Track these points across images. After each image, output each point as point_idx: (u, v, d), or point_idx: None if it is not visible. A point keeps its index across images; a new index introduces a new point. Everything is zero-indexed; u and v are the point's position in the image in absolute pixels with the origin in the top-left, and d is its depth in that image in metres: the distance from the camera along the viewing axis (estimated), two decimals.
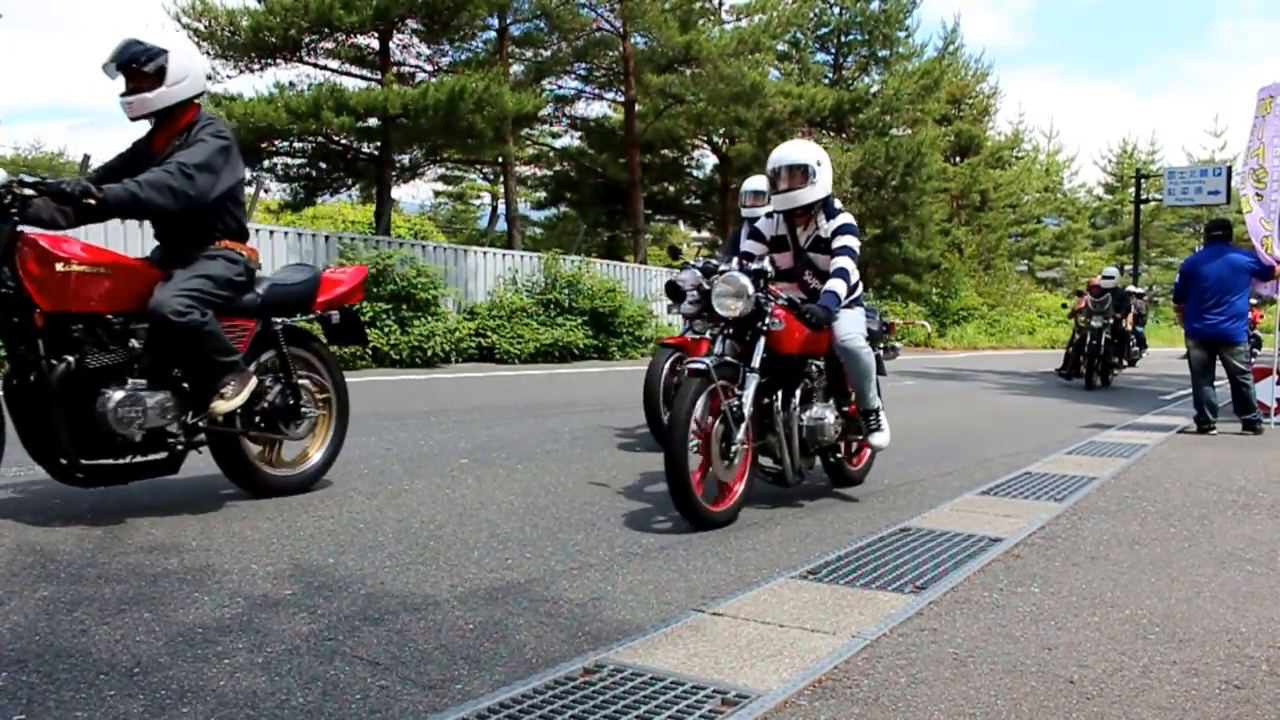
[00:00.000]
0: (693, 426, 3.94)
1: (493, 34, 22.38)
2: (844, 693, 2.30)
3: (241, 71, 19.37)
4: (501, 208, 30.59)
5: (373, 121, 18.50)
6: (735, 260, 4.64)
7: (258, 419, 4.20)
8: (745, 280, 4.17)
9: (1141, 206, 39.36)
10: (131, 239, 10.66)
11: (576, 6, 22.64)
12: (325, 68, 19.95)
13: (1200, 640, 2.75)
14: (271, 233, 13.86)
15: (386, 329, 13.36)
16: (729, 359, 4.17)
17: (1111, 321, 13.42)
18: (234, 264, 4.04)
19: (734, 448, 4.05)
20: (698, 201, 32.26)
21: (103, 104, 76.72)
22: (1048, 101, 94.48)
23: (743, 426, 4.06)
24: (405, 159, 21.15)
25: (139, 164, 3.95)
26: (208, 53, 18.95)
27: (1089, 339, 13.24)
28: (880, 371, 5.01)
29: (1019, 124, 52.50)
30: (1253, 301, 10.63)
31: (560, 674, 2.35)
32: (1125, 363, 17.54)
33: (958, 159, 35.60)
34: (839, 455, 4.97)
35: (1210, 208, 33.11)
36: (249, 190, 21.40)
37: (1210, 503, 4.86)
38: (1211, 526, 4.29)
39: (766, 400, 4.32)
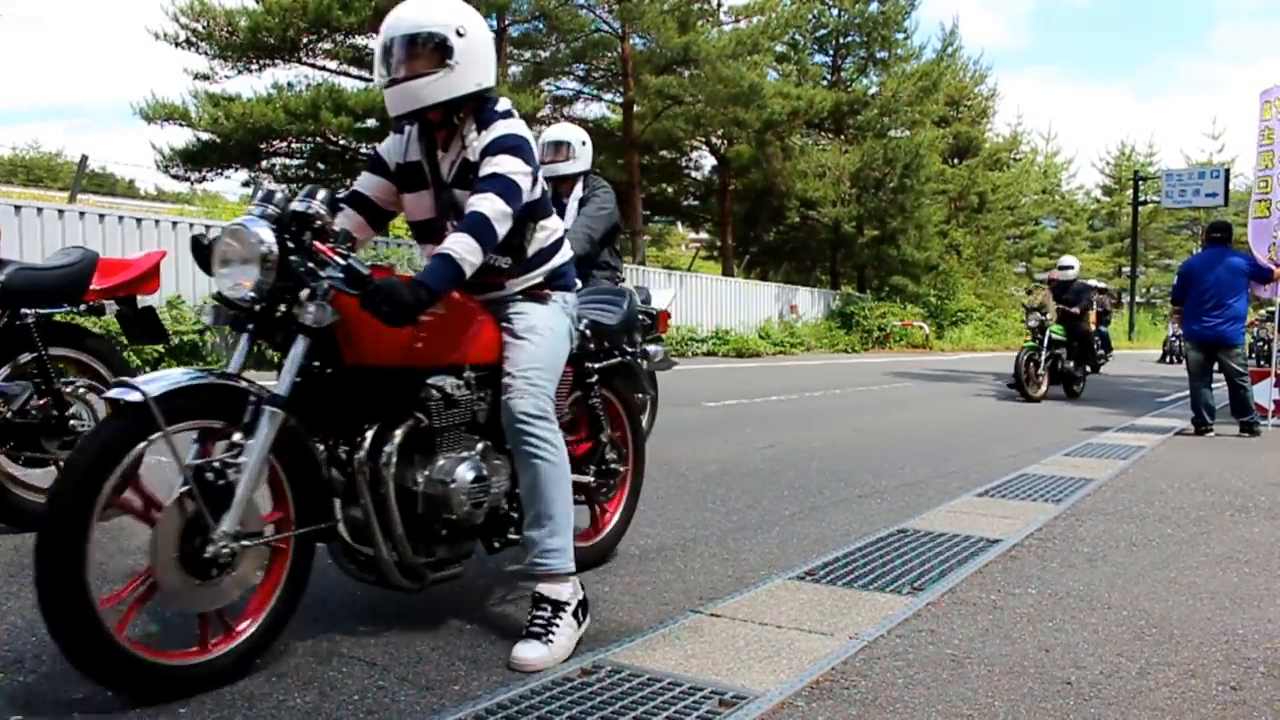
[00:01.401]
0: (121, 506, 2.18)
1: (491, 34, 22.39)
2: (841, 694, 2.30)
3: (240, 72, 19.40)
4: None
5: (371, 122, 18.51)
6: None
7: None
8: (261, 231, 2.30)
9: (1139, 209, 39.48)
10: None
11: (575, 7, 22.64)
12: (324, 68, 19.99)
13: (1197, 642, 2.75)
14: None
15: None
16: (220, 380, 2.30)
17: (1051, 318, 11.47)
18: None
19: (216, 549, 2.17)
20: (696, 203, 32.27)
21: (103, 104, 76.70)
22: (1046, 103, 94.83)
23: (233, 508, 2.20)
24: None
25: None
26: (205, 53, 18.96)
27: (1032, 341, 11.52)
28: (645, 390, 4.13)
29: (1017, 126, 52.71)
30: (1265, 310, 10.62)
31: (558, 675, 2.35)
32: (1088, 368, 16.92)
33: (956, 161, 35.61)
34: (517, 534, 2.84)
35: (1208, 210, 33.17)
36: (245, 190, 21.38)
37: (1207, 505, 4.86)
38: (1209, 528, 4.30)
39: (344, 449, 2.52)
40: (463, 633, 2.70)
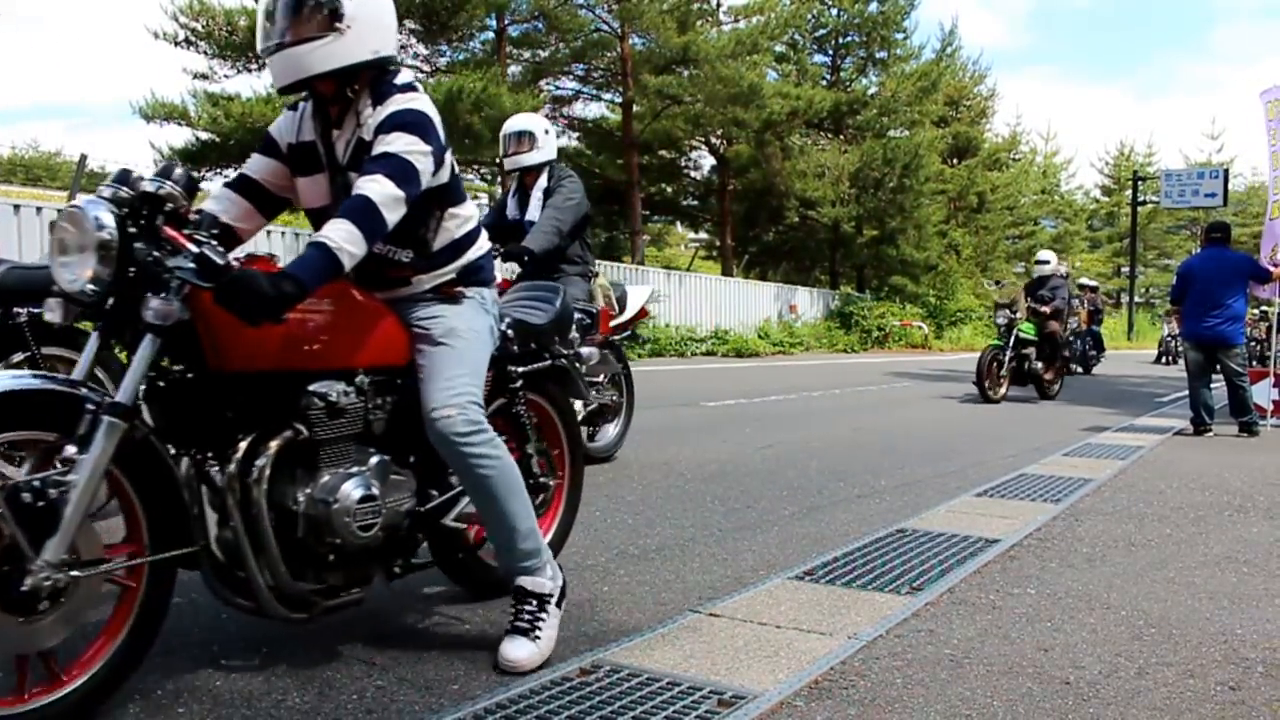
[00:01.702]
0: None
1: (491, 34, 22.39)
2: (840, 694, 2.30)
3: (239, 71, 19.38)
4: None
5: None
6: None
7: None
8: (100, 215, 2.00)
9: (1138, 209, 39.47)
10: None
11: (575, 7, 22.64)
12: None
13: (1196, 642, 2.75)
14: (269, 232, 13.83)
15: None
16: (52, 385, 2.03)
17: (1021, 316, 10.96)
18: None
19: (36, 580, 1.87)
20: (695, 202, 32.26)
21: (103, 103, 76.72)
22: (1045, 103, 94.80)
23: (59, 533, 1.89)
24: None
25: None
26: (205, 53, 18.96)
27: (998, 339, 11.01)
28: (584, 396, 3.88)
29: (1017, 126, 52.71)
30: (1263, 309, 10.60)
31: (557, 674, 2.35)
32: (1074, 368, 15.98)
33: (955, 161, 35.60)
34: (470, 548, 2.79)
35: (1207, 210, 33.18)
36: None
37: (1206, 505, 4.86)
38: (1208, 528, 4.30)
39: (215, 463, 2.20)
40: (461, 632, 2.70)
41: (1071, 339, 16.22)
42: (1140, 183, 39.66)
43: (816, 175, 27.41)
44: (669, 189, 31.49)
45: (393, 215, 2.25)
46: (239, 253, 2.27)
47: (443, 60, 22.03)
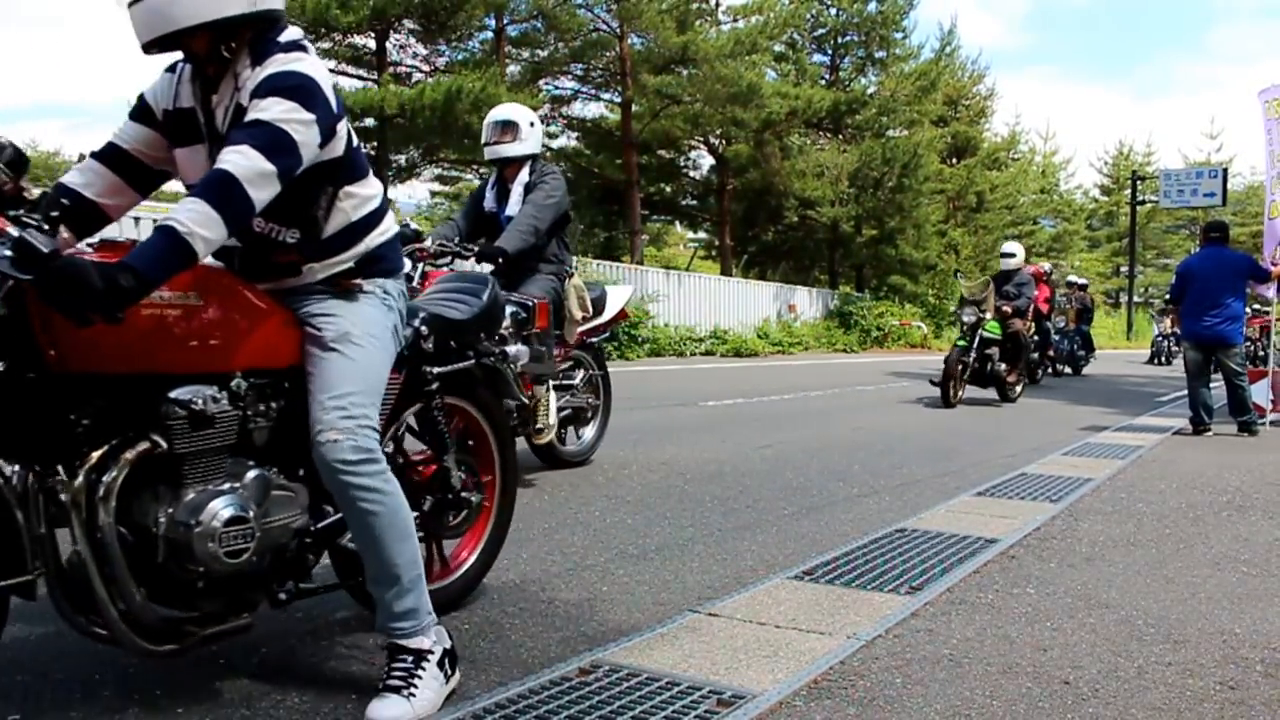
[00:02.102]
0: None
1: (489, 34, 22.41)
2: (840, 693, 2.30)
3: None
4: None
5: (369, 121, 18.53)
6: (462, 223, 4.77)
7: None
8: None
9: (1137, 208, 39.47)
10: None
11: (573, 7, 22.64)
12: None
13: (1195, 641, 2.75)
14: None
15: None
16: None
17: (988, 315, 10.30)
18: None
19: None
20: (694, 202, 32.24)
21: (102, 103, 76.70)
22: (1044, 103, 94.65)
23: None
24: (402, 159, 21.19)
25: None
26: None
27: (962, 339, 10.29)
28: (516, 398, 3.68)
29: (1016, 126, 52.69)
30: (1258, 308, 10.57)
31: (556, 674, 2.35)
32: (1061, 369, 15.79)
33: (954, 160, 35.58)
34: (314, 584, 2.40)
35: (1206, 210, 33.18)
36: None
37: (1205, 504, 4.87)
38: (1207, 528, 4.30)
39: (61, 479, 1.90)
40: (460, 632, 2.70)
41: (1058, 338, 16.02)
42: (1139, 182, 39.66)
43: (815, 175, 27.41)
44: (668, 189, 31.48)
45: (261, 193, 1.94)
46: (113, 232, 2.08)
47: (441, 60, 22.06)
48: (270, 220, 2.12)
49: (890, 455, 6.43)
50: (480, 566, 2.94)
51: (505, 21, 22.15)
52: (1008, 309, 10.69)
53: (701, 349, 20.21)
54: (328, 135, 2.09)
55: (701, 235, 37.61)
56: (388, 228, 2.35)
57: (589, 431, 5.61)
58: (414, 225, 5.04)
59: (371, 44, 19.65)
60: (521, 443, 5.10)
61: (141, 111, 2.21)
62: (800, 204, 27.75)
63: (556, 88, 25.93)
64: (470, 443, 2.90)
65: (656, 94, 23.58)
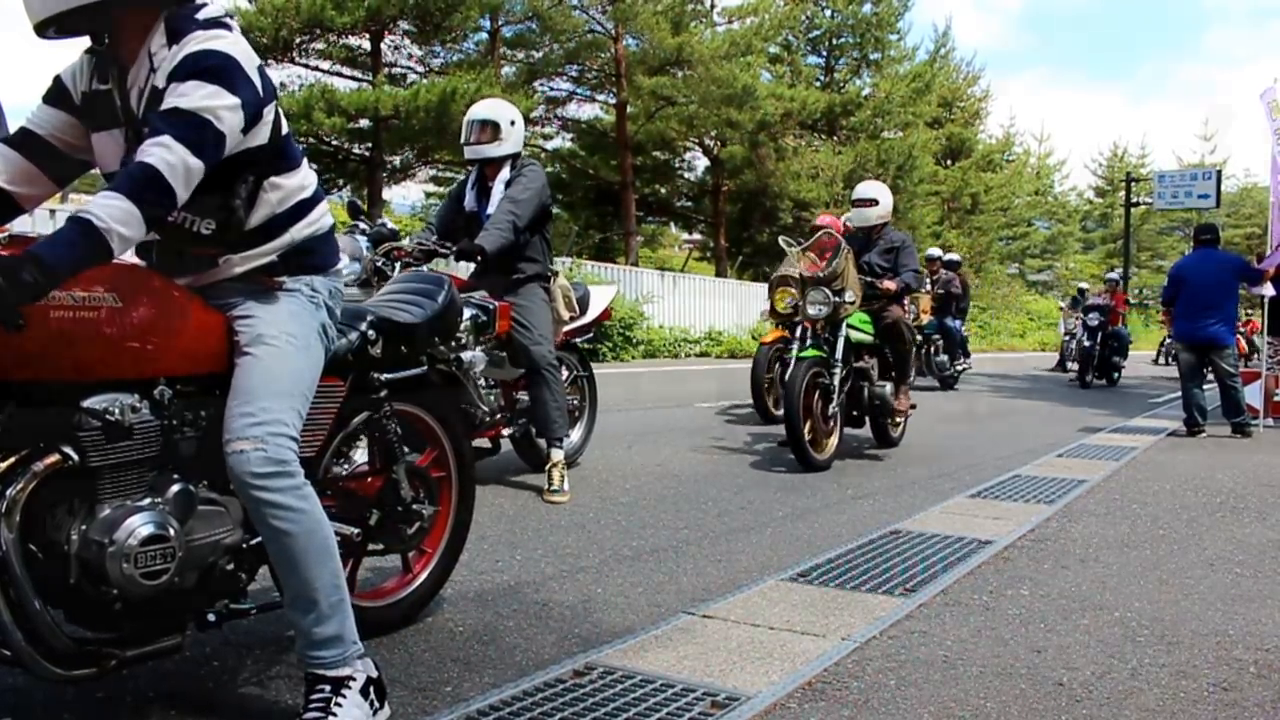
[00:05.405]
0: None
1: (484, 35, 22.40)
2: (834, 695, 2.30)
3: None
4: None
5: (364, 123, 18.49)
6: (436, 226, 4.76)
7: None
8: None
9: (1132, 210, 39.53)
10: None
11: (568, 8, 22.63)
12: (316, 68, 19.95)
13: (1189, 643, 2.76)
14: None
15: None
16: None
17: (853, 303, 5.88)
18: None
19: None
20: (689, 204, 32.25)
21: None
22: (1039, 105, 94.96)
23: None
24: (397, 160, 21.14)
25: None
26: None
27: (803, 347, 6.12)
28: (476, 405, 3.51)
29: (1010, 127, 52.68)
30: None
31: (550, 676, 2.35)
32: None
33: (949, 162, 35.66)
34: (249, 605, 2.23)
35: (1200, 211, 33.25)
36: None
37: (1199, 505, 4.88)
38: (1200, 529, 4.31)
39: None
40: (454, 635, 2.69)
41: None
42: (1133, 184, 39.72)
43: (810, 176, 27.41)
44: (663, 190, 31.49)
45: (184, 186, 1.80)
46: (23, 226, 1.92)
47: (436, 61, 22.02)
48: (184, 209, 1.93)
49: (884, 456, 6.44)
50: (437, 577, 2.79)
51: (500, 23, 22.14)
52: (889, 287, 6.27)
53: (696, 350, 20.20)
54: (252, 120, 1.92)
55: (696, 236, 37.62)
56: (318, 219, 2.17)
57: (575, 433, 5.56)
58: (390, 224, 5.02)
59: (366, 45, 19.62)
60: (508, 444, 5.10)
61: (58, 94, 2.04)
62: (795, 205, 27.76)
63: (551, 89, 25.92)
64: (427, 450, 2.74)
65: (651, 95, 23.59)
